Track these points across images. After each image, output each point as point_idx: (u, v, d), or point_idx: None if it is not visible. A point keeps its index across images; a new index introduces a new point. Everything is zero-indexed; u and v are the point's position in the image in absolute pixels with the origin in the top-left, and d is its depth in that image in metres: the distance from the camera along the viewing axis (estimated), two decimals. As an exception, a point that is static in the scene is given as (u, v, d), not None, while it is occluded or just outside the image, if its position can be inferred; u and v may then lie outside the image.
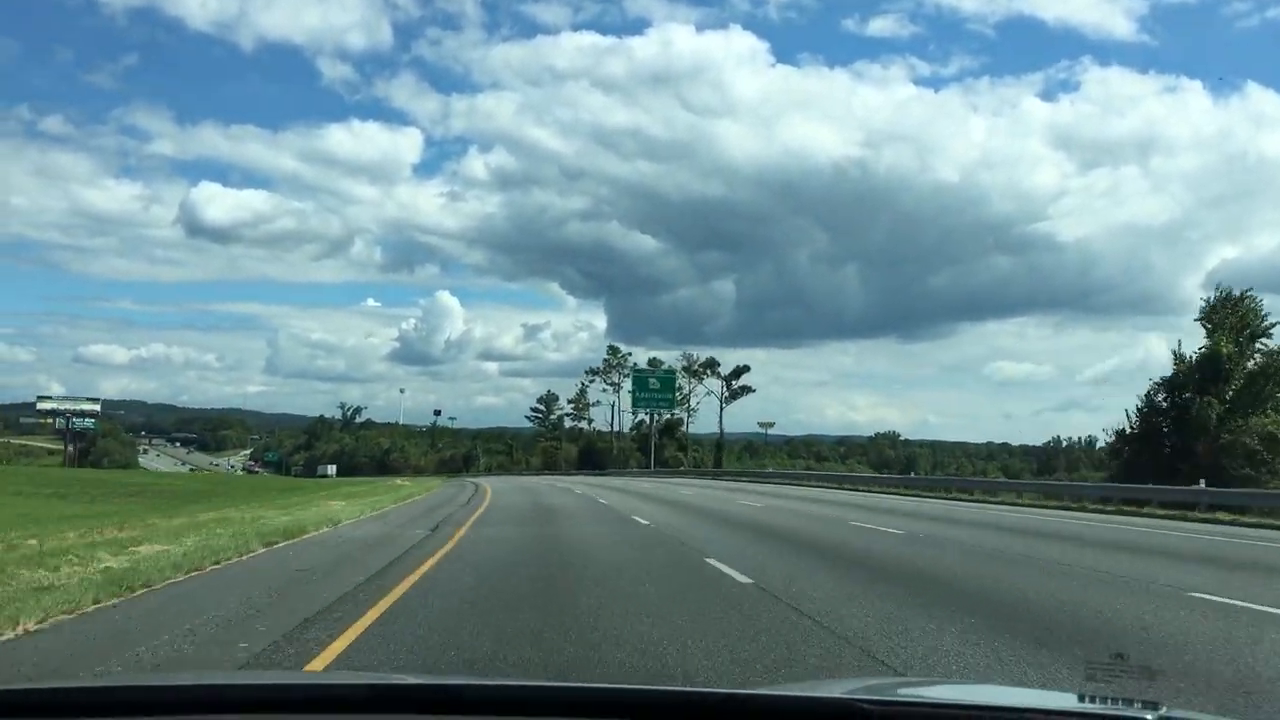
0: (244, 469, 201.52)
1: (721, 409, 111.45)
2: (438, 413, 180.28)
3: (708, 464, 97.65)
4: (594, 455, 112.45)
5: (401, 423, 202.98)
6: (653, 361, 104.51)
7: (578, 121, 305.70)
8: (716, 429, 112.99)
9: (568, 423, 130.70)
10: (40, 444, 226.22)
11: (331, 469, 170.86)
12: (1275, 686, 6.17)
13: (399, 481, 67.78)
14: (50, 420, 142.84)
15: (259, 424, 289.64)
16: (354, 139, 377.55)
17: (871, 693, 2.34)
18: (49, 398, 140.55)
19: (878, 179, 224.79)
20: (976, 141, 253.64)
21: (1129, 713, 2.10)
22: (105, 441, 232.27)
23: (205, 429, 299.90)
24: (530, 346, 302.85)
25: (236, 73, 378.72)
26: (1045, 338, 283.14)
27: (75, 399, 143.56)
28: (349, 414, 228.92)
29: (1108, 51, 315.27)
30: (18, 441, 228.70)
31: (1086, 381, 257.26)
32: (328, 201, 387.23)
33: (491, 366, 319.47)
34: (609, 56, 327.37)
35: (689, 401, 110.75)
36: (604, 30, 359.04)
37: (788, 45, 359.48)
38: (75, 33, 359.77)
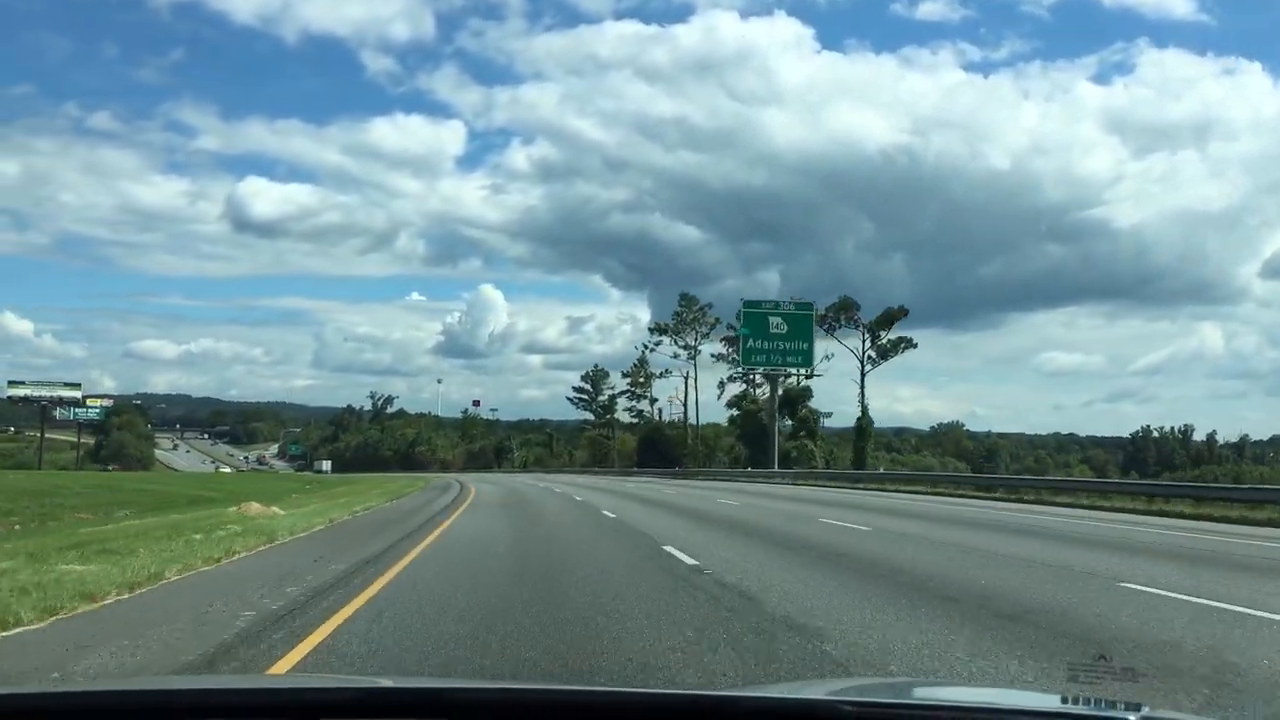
0: (255, 464, 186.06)
1: (863, 376, 73.11)
2: (476, 403, 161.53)
3: (842, 461, 70.66)
4: (660, 447, 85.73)
5: (438, 414, 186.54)
6: (752, 306, 63.96)
7: (620, 111, 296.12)
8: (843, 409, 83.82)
9: (623, 405, 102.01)
10: (70, 438, 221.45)
11: (326, 465, 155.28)
12: None
13: (382, 483, 55.78)
14: (21, 406, 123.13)
15: (304, 417, 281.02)
16: (398, 132, 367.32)
17: (854, 694, 2.33)
18: (21, 383, 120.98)
19: (926, 166, 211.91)
20: (1028, 127, 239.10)
21: (1112, 714, 2.08)
22: (120, 434, 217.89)
23: (238, 422, 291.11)
24: (574, 339, 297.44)
25: (281, 66, 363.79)
26: (1097, 327, 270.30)
27: (51, 384, 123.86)
28: (379, 404, 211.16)
29: (1165, 33, 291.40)
30: (48, 436, 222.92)
31: (1139, 372, 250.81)
32: (372, 195, 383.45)
33: (535, 360, 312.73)
34: (652, 45, 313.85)
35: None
36: (647, 18, 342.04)
37: (834, 31, 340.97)
38: (121, 28, 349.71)
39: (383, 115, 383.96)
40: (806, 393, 75.96)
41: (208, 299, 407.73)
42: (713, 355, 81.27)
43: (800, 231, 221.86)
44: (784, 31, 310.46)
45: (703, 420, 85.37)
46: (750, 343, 62.73)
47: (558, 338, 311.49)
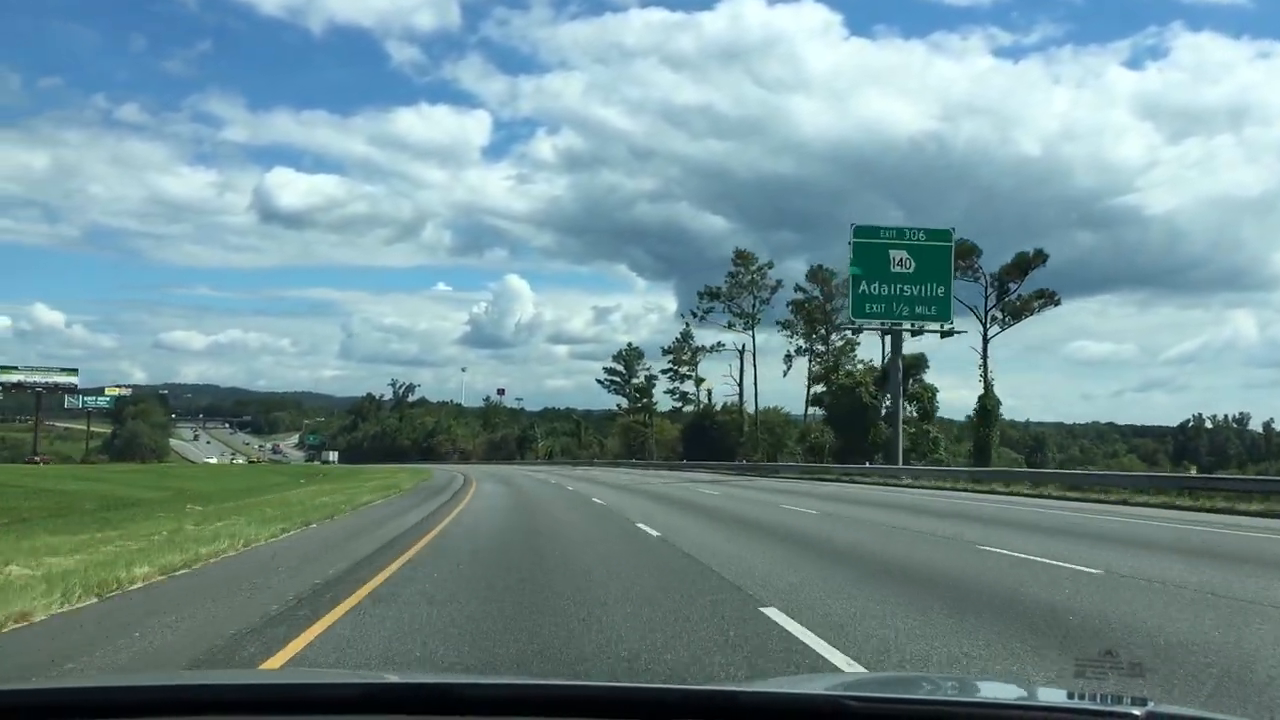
0: (271, 454, 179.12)
1: (985, 344, 55.06)
2: (501, 392, 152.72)
3: (957, 456, 55.88)
4: (710, 437, 70.94)
5: (462, 404, 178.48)
6: (866, 234, 45.78)
7: (646, 100, 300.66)
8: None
9: (663, 387, 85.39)
10: (82, 427, 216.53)
11: (333, 455, 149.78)
12: None
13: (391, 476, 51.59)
14: (15, 393, 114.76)
15: (330, 408, 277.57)
16: (423, 122, 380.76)
17: (858, 688, 2.31)
18: (13, 369, 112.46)
19: (955, 153, 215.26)
20: (1058, 113, 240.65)
21: (1118, 708, 2.06)
22: (135, 424, 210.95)
23: (260, 412, 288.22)
24: (600, 329, 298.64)
25: (307, 57, 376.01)
26: (1128, 316, 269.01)
27: (46, 369, 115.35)
28: (400, 392, 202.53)
29: (1199, 16, 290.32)
30: (62, 425, 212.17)
31: (1171, 361, 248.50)
32: (398, 185, 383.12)
33: (561, 349, 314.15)
34: (678, 32, 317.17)
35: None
36: (673, 6, 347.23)
37: (862, 17, 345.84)
38: (149, 20, 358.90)
39: (408, 105, 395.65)
40: (921, 362, 56.14)
41: (235, 290, 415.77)
42: (778, 324, 66.81)
43: (828, 220, 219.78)
44: (811, 18, 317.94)
45: (762, 404, 70.42)
46: (863, 286, 44.38)
47: (584, 327, 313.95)
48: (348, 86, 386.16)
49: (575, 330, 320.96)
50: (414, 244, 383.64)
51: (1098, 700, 2.15)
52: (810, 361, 66.12)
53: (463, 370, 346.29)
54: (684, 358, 78.65)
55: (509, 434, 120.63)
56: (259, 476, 68.73)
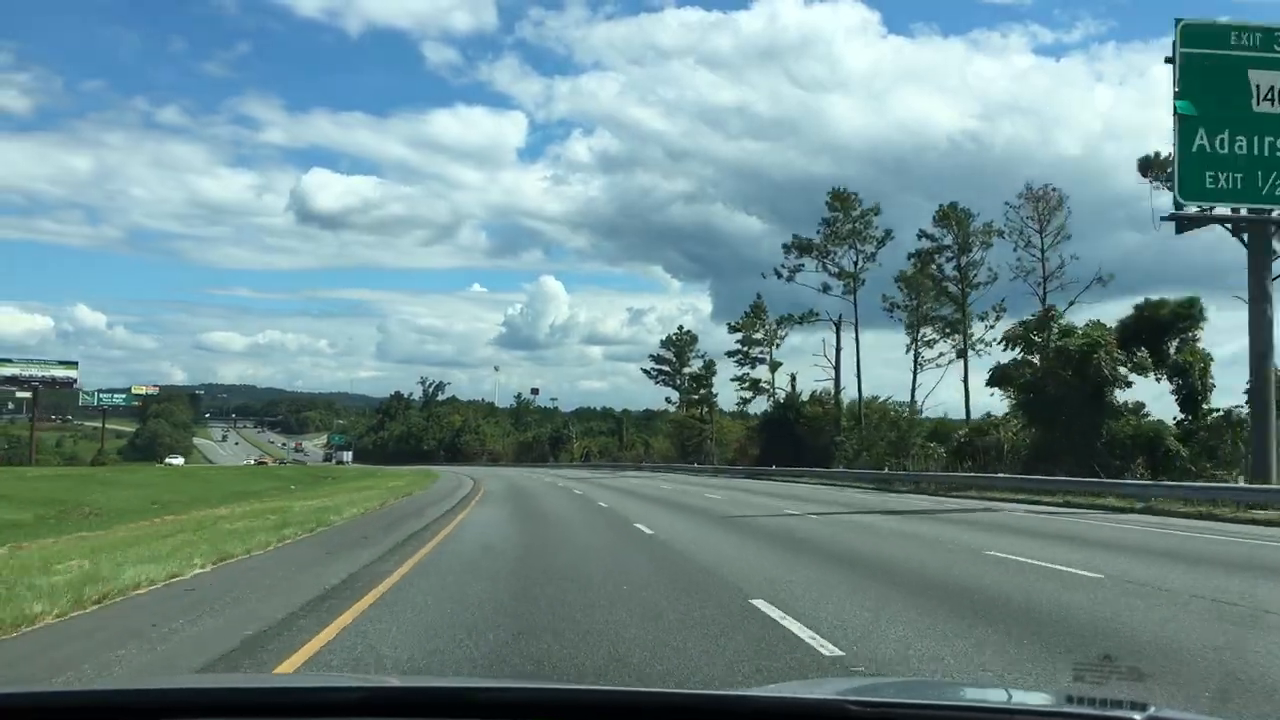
0: (294, 454, 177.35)
1: None
2: (535, 391, 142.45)
3: (1226, 458, 32.77)
4: (793, 436, 54.11)
5: (495, 404, 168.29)
6: (1204, 38, 25.46)
7: (682, 100, 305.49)
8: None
9: (728, 373, 67.04)
10: (114, 426, 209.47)
11: (347, 456, 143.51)
12: None
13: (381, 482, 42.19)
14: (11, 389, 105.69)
15: (365, 408, 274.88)
16: (459, 124, 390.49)
17: (861, 694, 2.32)
18: (8, 361, 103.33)
19: (995, 152, 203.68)
20: (1101, 111, 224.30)
21: (1117, 713, 2.06)
22: (155, 423, 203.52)
23: (291, 412, 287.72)
24: (635, 331, 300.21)
25: (344, 59, 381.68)
26: None
27: (44, 362, 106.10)
28: (430, 390, 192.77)
29: (1246, 11, 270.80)
30: (91, 424, 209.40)
31: (1223, 363, 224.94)
32: (435, 187, 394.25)
33: (595, 351, 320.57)
34: (714, 32, 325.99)
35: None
36: (709, 5, 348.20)
37: (900, 15, 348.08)
38: (189, 22, 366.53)
39: (444, 107, 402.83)
40: (1191, 312, 34.29)
41: (274, 291, 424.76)
42: (897, 283, 50.73)
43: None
44: (849, 16, 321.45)
45: (868, 393, 54.85)
46: (1200, 139, 25.01)
47: (618, 329, 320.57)
48: (384, 88, 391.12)
49: (610, 332, 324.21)
50: (450, 245, 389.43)
51: (1097, 705, 2.12)
52: (936, 335, 50.63)
53: (495, 369, 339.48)
54: (754, 336, 59.92)
55: (542, 434, 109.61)
56: (251, 480, 60.94)
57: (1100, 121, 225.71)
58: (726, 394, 66.89)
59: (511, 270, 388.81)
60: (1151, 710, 2.00)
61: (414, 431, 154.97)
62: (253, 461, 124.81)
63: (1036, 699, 2.82)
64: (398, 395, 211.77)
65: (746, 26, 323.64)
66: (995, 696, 2.89)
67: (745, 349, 61.71)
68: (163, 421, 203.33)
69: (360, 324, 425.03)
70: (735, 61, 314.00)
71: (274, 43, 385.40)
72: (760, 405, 60.72)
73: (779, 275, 56.05)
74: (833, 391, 55.32)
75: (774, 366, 61.11)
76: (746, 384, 61.72)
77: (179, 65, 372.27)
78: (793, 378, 59.54)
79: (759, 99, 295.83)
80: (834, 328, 55.19)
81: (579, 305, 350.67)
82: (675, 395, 75.95)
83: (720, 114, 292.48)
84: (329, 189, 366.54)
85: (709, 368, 71.70)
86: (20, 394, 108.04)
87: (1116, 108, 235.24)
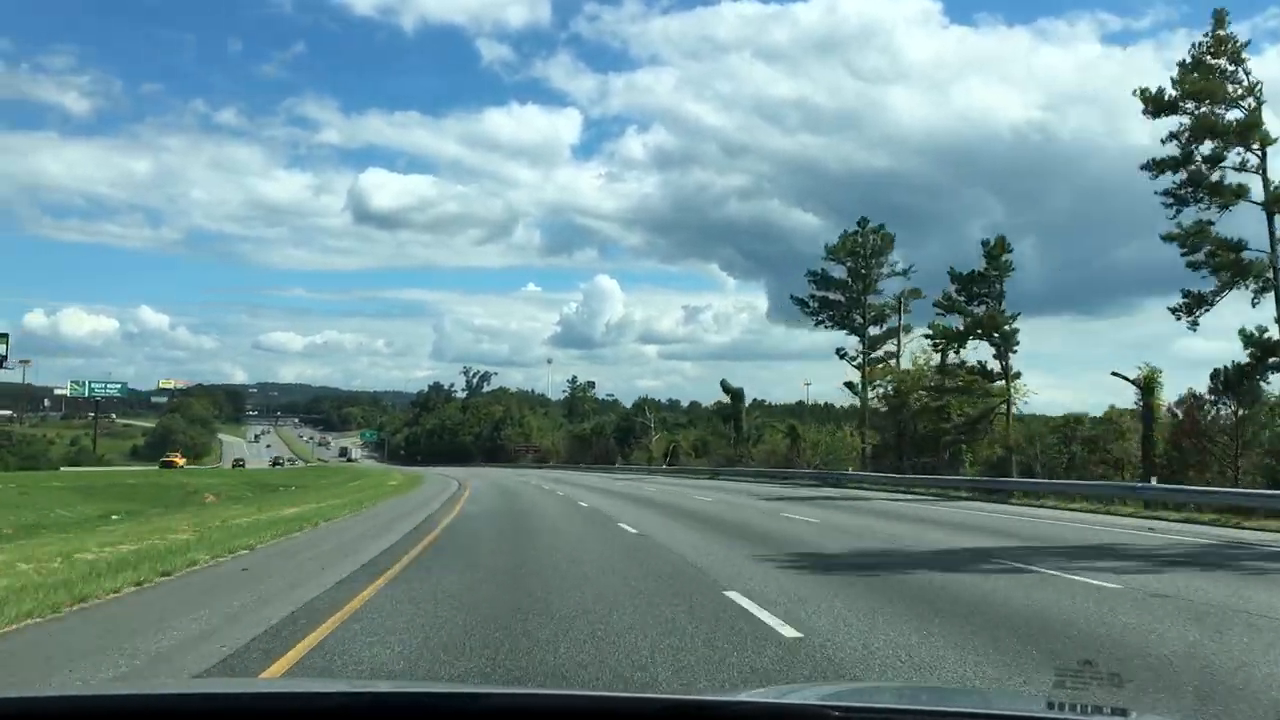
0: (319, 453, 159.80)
1: None
2: (592, 384, 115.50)
3: None
4: None
5: (546, 395, 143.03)
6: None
7: (739, 95, 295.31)
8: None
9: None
10: (140, 423, 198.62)
11: (358, 453, 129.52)
12: None
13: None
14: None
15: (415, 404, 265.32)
16: (514, 121, 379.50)
17: (842, 698, 2.31)
18: None
19: (1061, 144, 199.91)
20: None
21: (1098, 718, 2.06)
22: (170, 419, 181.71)
23: (333, 408, 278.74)
24: (691, 329, 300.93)
25: (399, 58, 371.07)
26: (1241, 314, 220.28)
27: None
28: (474, 381, 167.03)
29: None
30: (123, 422, 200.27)
31: None
32: (489, 185, 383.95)
33: (651, 349, 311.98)
34: (772, 24, 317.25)
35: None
36: None
37: (963, 4, 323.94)
38: (245, 23, 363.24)
39: (499, 105, 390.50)
40: None
41: (331, 291, 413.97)
42: None
43: (923, 215, 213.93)
44: (910, 6, 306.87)
45: None
46: None
47: (674, 327, 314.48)
48: (439, 86, 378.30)
49: (665, 330, 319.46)
50: (505, 244, 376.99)
51: (1079, 711, 2.10)
52: None
53: (548, 362, 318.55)
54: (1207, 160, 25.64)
55: (603, 423, 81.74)
56: (120, 499, 38.15)
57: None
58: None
59: (566, 269, 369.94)
60: (1133, 717, 2.08)
61: (448, 426, 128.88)
62: (231, 465, 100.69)
63: (1018, 706, 2.83)
64: (437, 387, 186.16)
65: (804, 18, 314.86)
66: (977, 703, 2.90)
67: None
68: (178, 417, 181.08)
69: (416, 324, 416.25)
70: (793, 54, 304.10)
71: (329, 42, 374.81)
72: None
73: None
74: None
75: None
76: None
77: (236, 67, 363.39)
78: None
79: (817, 92, 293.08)
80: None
81: (634, 304, 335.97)
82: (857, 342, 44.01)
83: (777, 108, 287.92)
84: (385, 189, 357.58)
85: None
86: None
87: None
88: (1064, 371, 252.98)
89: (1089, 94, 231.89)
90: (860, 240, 39.06)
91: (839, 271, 40.14)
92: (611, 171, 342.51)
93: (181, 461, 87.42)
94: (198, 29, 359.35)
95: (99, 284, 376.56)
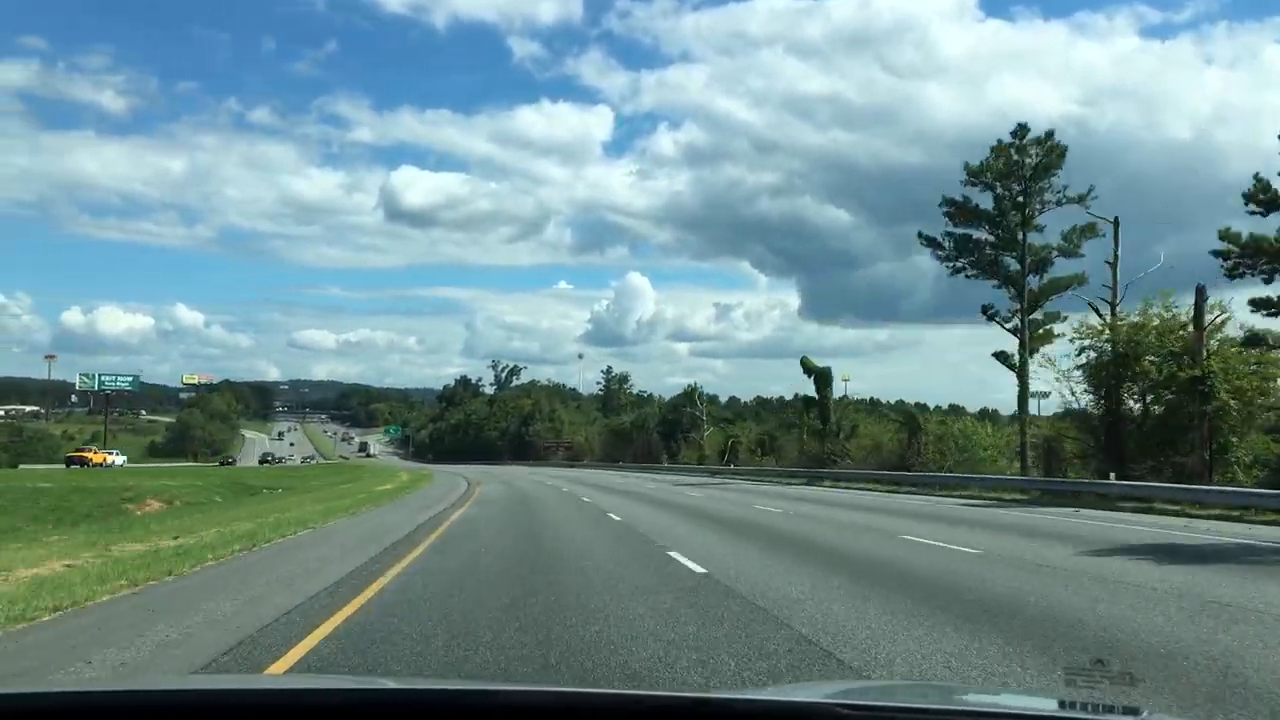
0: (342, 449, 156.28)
1: None
2: (627, 376, 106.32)
3: None
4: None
5: (578, 389, 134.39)
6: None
7: (770, 91, 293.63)
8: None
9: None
10: (161, 418, 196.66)
11: (376, 449, 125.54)
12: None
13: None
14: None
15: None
16: (545, 119, 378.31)
17: (850, 696, 2.29)
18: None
19: (1098, 138, 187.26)
20: (1211, 95, 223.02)
21: (1109, 717, 2.04)
22: (189, 414, 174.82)
23: (361, 404, 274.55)
24: (722, 326, 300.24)
25: (430, 55, 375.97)
26: None
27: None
28: (502, 374, 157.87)
29: None
30: (150, 418, 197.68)
31: None
32: (520, 183, 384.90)
33: (682, 347, 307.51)
34: (805, 19, 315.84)
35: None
36: None
37: None
38: (278, 22, 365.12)
39: (530, 103, 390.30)
40: None
41: (364, 289, 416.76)
42: None
43: None
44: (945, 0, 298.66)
45: None
46: None
47: (705, 325, 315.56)
48: (470, 84, 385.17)
49: (696, 327, 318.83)
50: (536, 242, 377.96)
51: (1090, 710, 2.07)
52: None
53: (579, 356, 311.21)
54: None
55: (645, 416, 71.74)
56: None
57: (1210, 105, 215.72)
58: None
59: (598, 266, 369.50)
60: (1145, 715, 2.03)
61: (474, 421, 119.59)
62: (219, 463, 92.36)
63: (1029, 704, 2.80)
64: (464, 381, 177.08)
65: (837, 13, 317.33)
66: (987, 701, 2.77)
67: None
68: (196, 412, 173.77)
69: (448, 321, 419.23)
70: (825, 49, 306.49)
71: (361, 40, 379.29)
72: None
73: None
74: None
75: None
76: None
77: (269, 66, 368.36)
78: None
79: (849, 87, 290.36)
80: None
81: (665, 301, 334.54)
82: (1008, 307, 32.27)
83: (809, 104, 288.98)
84: (416, 186, 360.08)
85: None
86: None
87: (1228, 91, 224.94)
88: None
89: (1127, 88, 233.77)
90: (1016, 156, 28.67)
91: (985, 201, 29.98)
92: (643, 168, 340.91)
93: (102, 458, 66.15)
94: (231, 28, 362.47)
95: (135, 282, 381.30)
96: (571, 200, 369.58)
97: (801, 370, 40.80)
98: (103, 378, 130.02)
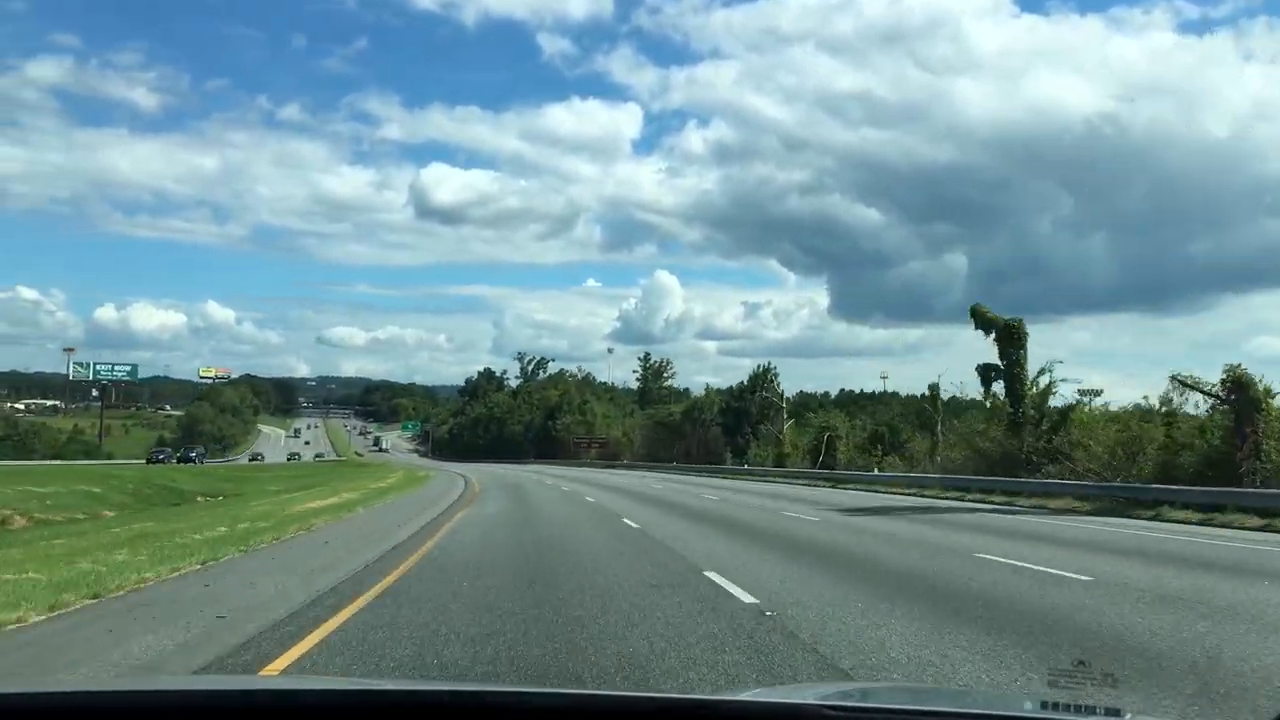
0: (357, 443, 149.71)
1: None
2: (669, 364, 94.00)
3: None
4: None
5: (610, 382, 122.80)
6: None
7: (801, 88, 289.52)
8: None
9: None
10: (169, 412, 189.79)
11: (388, 443, 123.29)
12: None
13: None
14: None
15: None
16: (574, 116, 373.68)
17: (838, 697, 2.30)
18: None
19: (1134, 136, 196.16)
20: (1251, 91, 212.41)
21: (1092, 718, 2.03)
22: (198, 408, 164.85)
23: (385, 399, 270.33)
24: (750, 325, 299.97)
25: (460, 52, 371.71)
26: None
27: None
28: (529, 368, 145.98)
29: None
30: (164, 413, 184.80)
31: None
32: (550, 181, 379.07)
33: (710, 346, 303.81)
34: (836, 15, 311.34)
35: None
36: None
37: None
38: (309, 19, 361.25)
39: (559, 100, 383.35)
40: None
41: (393, 287, 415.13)
42: None
43: (991, 210, 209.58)
44: None
45: None
46: None
47: (733, 323, 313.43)
48: (500, 81, 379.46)
49: (725, 326, 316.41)
50: (565, 239, 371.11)
51: (1072, 711, 2.08)
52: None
53: (609, 351, 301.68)
54: None
55: (701, 402, 58.82)
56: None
57: (1250, 102, 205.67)
58: None
59: (626, 264, 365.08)
60: (1127, 717, 2.02)
61: (496, 415, 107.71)
62: (177, 461, 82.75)
63: (1012, 705, 2.81)
64: (488, 374, 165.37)
65: (869, 8, 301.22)
66: (971, 702, 2.87)
67: None
68: (205, 405, 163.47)
69: (477, 319, 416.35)
70: (857, 45, 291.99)
71: (391, 37, 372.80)
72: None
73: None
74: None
75: None
76: None
77: (299, 63, 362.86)
78: None
79: (880, 84, 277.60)
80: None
81: (694, 299, 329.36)
82: None
83: (840, 101, 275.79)
84: (446, 184, 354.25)
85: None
86: None
87: (1268, 88, 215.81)
88: (1133, 369, 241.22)
89: (1164, 85, 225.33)
90: None
91: None
92: (672, 166, 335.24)
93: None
94: (262, 25, 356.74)
95: (167, 279, 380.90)
96: (600, 198, 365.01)
97: (972, 323, 27.75)
98: (98, 367, 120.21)
